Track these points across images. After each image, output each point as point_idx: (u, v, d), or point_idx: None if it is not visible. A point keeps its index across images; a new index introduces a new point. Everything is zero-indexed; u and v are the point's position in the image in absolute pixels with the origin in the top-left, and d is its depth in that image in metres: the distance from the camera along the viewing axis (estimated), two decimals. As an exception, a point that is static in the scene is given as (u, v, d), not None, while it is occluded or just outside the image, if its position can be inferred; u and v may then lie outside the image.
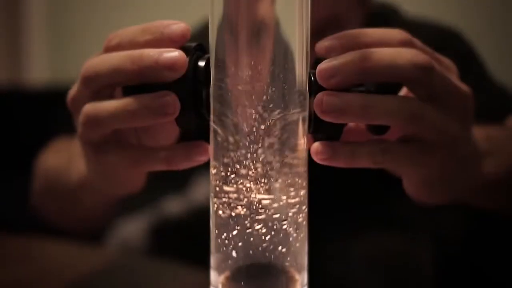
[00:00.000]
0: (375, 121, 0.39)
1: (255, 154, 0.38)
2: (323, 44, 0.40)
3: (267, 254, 0.39)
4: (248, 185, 0.38)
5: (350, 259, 0.74)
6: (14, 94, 1.71)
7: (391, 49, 0.39)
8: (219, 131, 0.38)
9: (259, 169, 0.38)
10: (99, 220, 0.74)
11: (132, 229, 0.87)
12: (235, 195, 0.39)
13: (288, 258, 0.40)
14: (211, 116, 0.39)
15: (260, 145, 0.38)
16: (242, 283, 0.39)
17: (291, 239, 0.40)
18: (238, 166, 0.38)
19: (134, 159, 0.41)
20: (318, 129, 0.40)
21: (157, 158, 0.41)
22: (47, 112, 1.02)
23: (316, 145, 0.40)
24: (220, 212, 0.40)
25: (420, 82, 0.40)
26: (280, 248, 0.39)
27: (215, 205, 0.40)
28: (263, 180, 0.38)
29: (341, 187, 0.73)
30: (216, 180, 0.39)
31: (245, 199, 0.39)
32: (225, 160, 0.39)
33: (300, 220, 0.40)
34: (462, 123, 0.43)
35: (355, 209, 0.76)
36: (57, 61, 1.99)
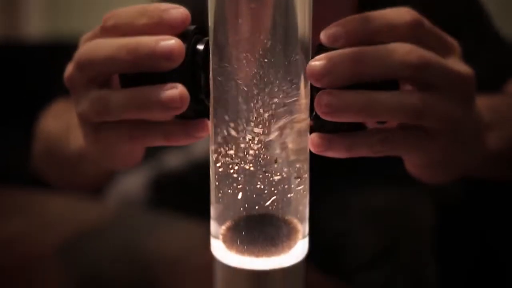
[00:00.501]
0: (376, 119, 0.39)
1: (255, 103, 0.37)
2: (328, 32, 0.38)
3: (268, 204, 0.39)
4: (249, 135, 0.38)
5: (350, 214, 0.74)
6: (12, 47, 1.69)
7: (384, 47, 0.38)
8: (219, 79, 0.38)
9: (260, 119, 0.38)
10: (99, 185, 0.74)
11: (132, 183, 0.87)
12: (235, 145, 0.38)
13: (290, 209, 0.40)
14: (211, 66, 0.38)
15: (259, 97, 0.37)
16: (243, 233, 0.39)
17: (292, 189, 0.39)
18: (239, 116, 0.38)
19: (133, 135, 0.40)
20: (321, 124, 0.39)
21: (156, 134, 0.40)
22: (45, 65, 1.01)
23: (313, 136, 0.39)
24: (221, 162, 0.39)
25: (414, 79, 0.39)
26: (281, 198, 0.39)
27: (215, 155, 0.39)
28: (264, 130, 0.38)
29: None
30: (217, 129, 0.39)
31: (246, 150, 0.38)
32: (225, 115, 0.38)
33: (302, 171, 0.40)
34: (464, 107, 0.42)
35: (356, 164, 0.76)
36: (54, 14, 1.96)
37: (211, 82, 0.38)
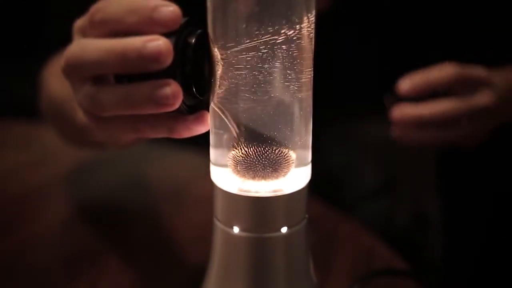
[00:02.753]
0: None
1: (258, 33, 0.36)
2: (405, 86, 0.62)
3: (269, 129, 0.38)
4: (250, 58, 0.36)
5: (351, 146, 0.73)
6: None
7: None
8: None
9: (262, 46, 0.36)
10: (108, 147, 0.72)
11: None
12: (238, 64, 0.37)
13: (292, 134, 0.38)
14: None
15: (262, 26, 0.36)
16: (243, 160, 0.38)
17: (295, 117, 0.38)
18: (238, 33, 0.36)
19: (136, 128, 0.40)
20: None
21: (159, 128, 0.39)
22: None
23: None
24: (222, 88, 0.38)
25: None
26: (283, 123, 0.38)
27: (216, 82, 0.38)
28: (267, 56, 0.36)
29: (344, 74, 0.72)
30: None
31: (248, 69, 0.37)
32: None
33: (304, 98, 0.38)
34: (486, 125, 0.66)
35: (357, 96, 0.75)
36: None
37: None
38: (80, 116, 0.47)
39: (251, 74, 0.37)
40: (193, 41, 0.37)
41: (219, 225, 0.40)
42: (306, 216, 0.41)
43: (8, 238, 0.60)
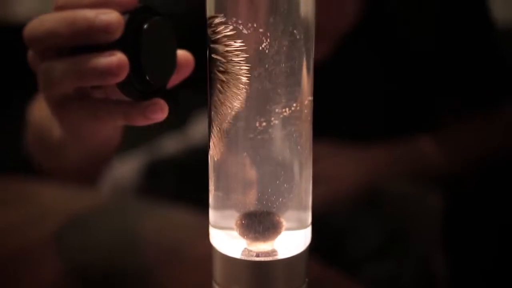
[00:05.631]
0: None
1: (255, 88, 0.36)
2: None
3: (269, 193, 0.37)
4: (249, 121, 0.36)
5: (355, 199, 0.73)
6: (3, 28, 1.67)
7: None
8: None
9: (259, 105, 0.36)
10: (88, 173, 0.72)
11: (127, 168, 0.86)
12: (235, 132, 0.37)
13: (292, 198, 0.38)
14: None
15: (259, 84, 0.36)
16: (243, 224, 0.38)
17: (294, 177, 0.38)
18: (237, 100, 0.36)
19: (94, 114, 0.42)
20: None
21: (116, 113, 0.41)
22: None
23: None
24: (220, 149, 0.38)
25: None
26: (283, 186, 0.38)
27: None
28: (264, 117, 0.36)
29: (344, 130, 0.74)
30: (215, 116, 0.37)
31: (245, 136, 0.37)
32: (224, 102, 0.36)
33: (304, 157, 0.38)
34: None
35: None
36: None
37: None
38: (56, 128, 0.50)
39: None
40: (147, 25, 0.38)
41: (217, 290, 0.40)
42: (306, 280, 0.40)
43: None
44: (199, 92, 0.51)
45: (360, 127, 0.77)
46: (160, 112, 0.39)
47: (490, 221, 0.81)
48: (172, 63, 0.41)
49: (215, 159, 0.38)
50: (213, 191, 0.39)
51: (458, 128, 0.78)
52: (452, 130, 0.78)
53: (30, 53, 0.43)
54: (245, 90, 0.36)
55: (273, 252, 0.38)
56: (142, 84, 0.39)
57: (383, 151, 0.73)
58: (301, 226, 0.39)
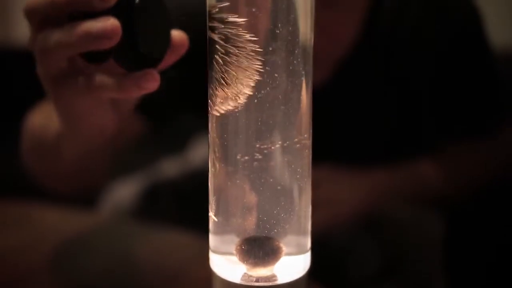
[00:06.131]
0: None
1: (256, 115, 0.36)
2: None
3: (269, 218, 0.38)
4: (249, 147, 0.37)
5: (354, 225, 0.73)
6: (3, 52, 1.67)
7: None
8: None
9: (260, 131, 0.36)
10: (84, 178, 0.72)
11: (126, 191, 0.86)
12: (235, 157, 0.37)
13: (291, 223, 0.38)
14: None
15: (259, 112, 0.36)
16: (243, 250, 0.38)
17: (294, 203, 0.38)
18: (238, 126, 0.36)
19: (88, 86, 0.43)
20: None
21: (109, 85, 0.42)
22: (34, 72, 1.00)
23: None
24: (220, 174, 0.38)
25: None
26: (283, 212, 0.38)
27: (214, 167, 0.38)
28: (265, 143, 0.37)
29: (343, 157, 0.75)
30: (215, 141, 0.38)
31: (247, 162, 0.37)
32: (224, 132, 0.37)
33: (303, 184, 0.38)
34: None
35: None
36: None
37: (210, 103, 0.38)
38: (53, 127, 0.54)
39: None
40: (138, 1, 0.40)
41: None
42: (306, 305, 0.40)
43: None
44: (199, 116, 0.51)
45: (359, 151, 0.77)
46: (153, 81, 0.41)
47: (490, 245, 0.81)
48: (166, 39, 0.43)
49: (215, 184, 0.38)
50: (213, 215, 0.39)
51: (457, 152, 0.78)
52: (451, 154, 0.78)
53: (30, 35, 0.45)
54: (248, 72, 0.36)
55: (272, 277, 0.38)
56: (136, 55, 0.41)
57: (383, 176, 0.74)
58: (301, 251, 0.39)
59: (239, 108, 0.36)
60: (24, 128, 0.70)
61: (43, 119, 0.66)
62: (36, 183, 0.73)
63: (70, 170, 0.67)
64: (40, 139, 0.64)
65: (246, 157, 0.37)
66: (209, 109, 0.38)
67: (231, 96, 0.36)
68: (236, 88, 0.36)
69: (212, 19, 0.37)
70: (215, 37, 0.36)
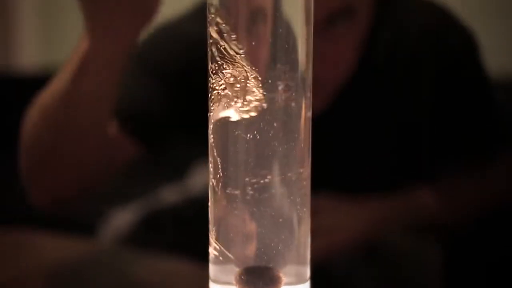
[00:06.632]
0: None
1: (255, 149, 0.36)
2: None
3: (269, 248, 0.38)
4: (250, 178, 0.37)
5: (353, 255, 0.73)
6: (5, 79, 1.68)
7: None
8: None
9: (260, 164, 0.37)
10: (81, 179, 0.71)
11: (126, 219, 0.85)
12: (236, 187, 0.37)
13: (291, 253, 0.38)
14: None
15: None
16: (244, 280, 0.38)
17: (294, 233, 0.38)
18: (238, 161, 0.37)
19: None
20: None
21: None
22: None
23: None
24: (221, 203, 0.38)
25: None
26: (282, 241, 0.38)
27: (215, 195, 0.38)
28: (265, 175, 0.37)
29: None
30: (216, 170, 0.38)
31: (247, 193, 0.37)
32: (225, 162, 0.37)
33: (303, 214, 0.39)
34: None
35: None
36: (48, 46, 1.96)
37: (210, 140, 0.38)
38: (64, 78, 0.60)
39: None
40: None
41: None
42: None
43: None
44: (198, 144, 0.52)
45: (358, 179, 0.77)
46: None
47: (489, 273, 0.81)
48: None
49: (215, 213, 0.38)
50: (213, 244, 0.39)
51: (456, 180, 0.78)
52: (450, 182, 0.78)
53: None
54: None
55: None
56: None
57: (382, 204, 0.74)
58: (300, 281, 0.39)
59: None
60: (28, 115, 0.69)
61: (48, 94, 0.66)
62: (38, 200, 0.72)
63: (69, 162, 0.66)
64: (50, 110, 0.65)
65: (244, 188, 0.37)
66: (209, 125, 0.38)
67: (239, 78, 0.36)
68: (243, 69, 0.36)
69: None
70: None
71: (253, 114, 0.36)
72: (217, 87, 0.37)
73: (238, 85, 0.36)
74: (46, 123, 0.66)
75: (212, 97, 0.37)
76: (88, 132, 0.65)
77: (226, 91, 0.37)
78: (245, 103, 0.36)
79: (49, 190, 0.71)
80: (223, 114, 0.37)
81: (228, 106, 0.37)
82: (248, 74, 0.36)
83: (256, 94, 0.36)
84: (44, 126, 0.66)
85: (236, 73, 0.36)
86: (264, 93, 0.36)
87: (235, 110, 0.37)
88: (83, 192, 0.73)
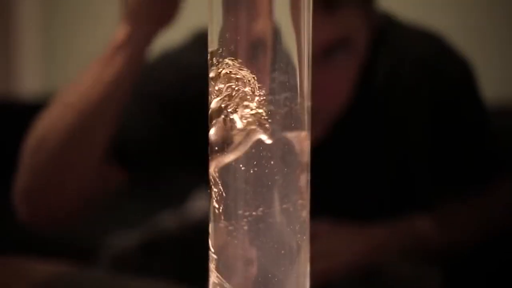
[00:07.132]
0: None
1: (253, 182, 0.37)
2: None
3: (269, 276, 0.38)
4: (250, 209, 0.37)
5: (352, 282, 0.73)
6: (7, 106, 1.69)
7: None
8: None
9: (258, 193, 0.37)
10: (94, 174, 0.71)
11: (126, 245, 0.85)
12: (236, 217, 0.38)
13: (291, 280, 0.38)
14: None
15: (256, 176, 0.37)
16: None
17: (293, 260, 0.38)
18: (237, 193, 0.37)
19: None
20: None
21: None
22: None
23: None
24: (220, 231, 0.38)
25: None
26: (282, 269, 0.38)
27: (215, 224, 0.38)
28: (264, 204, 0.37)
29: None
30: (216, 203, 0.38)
31: (247, 220, 0.37)
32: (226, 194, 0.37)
33: (302, 242, 0.39)
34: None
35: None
36: (50, 73, 1.97)
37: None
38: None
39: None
40: None
41: None
42: None
43: None
44: (197, 171, 0.52)
45: (356, 207, 0.77)
46: None
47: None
48: None
49: (215, 241, 0.39)
50: (213, 270, 0.39)
51: (454, 207, 0.78)
52: (448, 209, 0.78)
53: None
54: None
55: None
56: None
57: (380, 230, 0.74)
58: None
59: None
60: (33, 129, 0.70)
61: (57, 110, 0.69)
62: (32, 220, 0.72)
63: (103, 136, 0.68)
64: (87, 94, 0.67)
65: (244, 217, 0.37)
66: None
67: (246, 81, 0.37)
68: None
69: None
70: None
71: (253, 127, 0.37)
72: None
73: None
74: (47, 144, 0.67)
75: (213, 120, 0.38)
76: (89, 150, 0.66)
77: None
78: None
79: (43, 207, 0.71)
80: (228, 159, 0.38)
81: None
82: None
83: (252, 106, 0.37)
84: (44, 147, 0.67)
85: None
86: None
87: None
88: (75, 212, 0.73)
